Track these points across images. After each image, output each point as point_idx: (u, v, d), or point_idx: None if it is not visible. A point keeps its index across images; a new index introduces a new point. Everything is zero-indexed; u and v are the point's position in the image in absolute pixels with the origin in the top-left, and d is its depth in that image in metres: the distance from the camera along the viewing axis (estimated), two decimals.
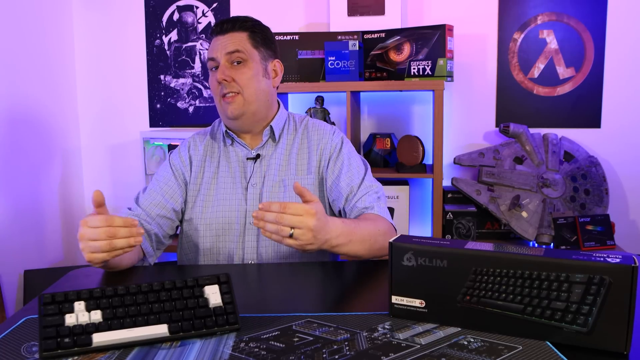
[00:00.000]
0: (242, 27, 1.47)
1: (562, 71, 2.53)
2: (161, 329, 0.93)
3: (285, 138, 1.54)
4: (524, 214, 2.36)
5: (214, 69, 1.47)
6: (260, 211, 1.12)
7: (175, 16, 2.74)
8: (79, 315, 0.93)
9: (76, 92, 2.82)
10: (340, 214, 1.51)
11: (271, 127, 1.51)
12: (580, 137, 2.54)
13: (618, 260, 0.84)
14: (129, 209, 1.47)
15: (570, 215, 2.30)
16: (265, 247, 1.46)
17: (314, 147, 1.52)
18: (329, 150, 1.51)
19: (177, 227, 1.55)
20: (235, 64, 1.44)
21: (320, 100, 2.47)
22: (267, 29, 1.52)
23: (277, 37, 2.43)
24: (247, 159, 1.51)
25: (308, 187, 1.48)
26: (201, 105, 2.78)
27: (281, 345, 0.90)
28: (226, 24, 1.47)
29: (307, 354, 0.87)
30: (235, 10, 2.69)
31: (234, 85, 1.43)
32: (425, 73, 2.34)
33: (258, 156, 1.51)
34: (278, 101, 1.58)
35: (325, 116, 2.47)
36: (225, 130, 1.52)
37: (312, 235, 1.13)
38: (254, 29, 1.48)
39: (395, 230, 1.43)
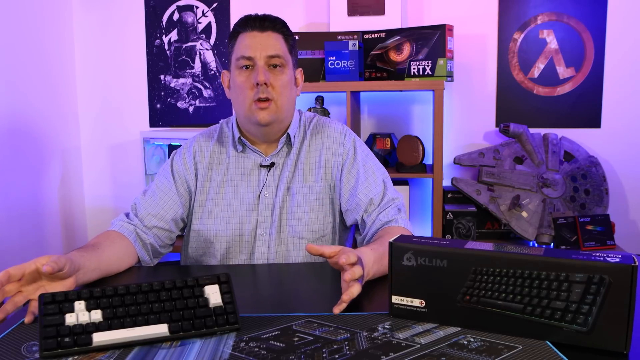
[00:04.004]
0: (281, 30, 1.39)
1: (562, 71, 2.53)
2: (161, 329, 0.93)
3: (296, 142, 1.46)
4: (524, 214, 2.36)
5: (244, 68, 1.36)
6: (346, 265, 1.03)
7: (175, 16, 2.74)
8: (79, 314, 0.93)
9: (76, 92, 2.82)
10: (356, 224, 1.46)
11: (288, 134, 1.44)
12: (580, 137, 2.54)
13: (618, 259, 0.84)
14: (126, 215, 1.42)
15: (570, 215, 2.30)
16: (278, 258, 1.41)
17: (325, 152, 1.44)
18: (341, 157, 1.44)
19: (176, 236, 1.49)
20: (272, 67, 1.36)
21: (320, 100, 2.47)
22: (294, 37, 1.45)
23: None
24: (261, 166, 1.44)
25: (316, 196, 1.42)
26: (201, 105, 2.78)
27: (281, 345, 0.90)
28: (267, 21, 1.37)
29: (307, 353, 0.87)
30: (235, 11, 2.69)
31: (270, 90, 1.35)
32: (425, 73, 2.34)
33: (272, 164, 1.44)
34: None
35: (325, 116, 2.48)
36: (239, 137, 1.44)
37: (359, 264, 1.07)
38: (289, 33, 1.41)
39: None
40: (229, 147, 1.47)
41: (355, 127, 2.51)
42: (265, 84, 1.33)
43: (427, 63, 2.34)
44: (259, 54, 1.35)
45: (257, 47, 1.35)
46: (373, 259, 1.14)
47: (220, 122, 1.55)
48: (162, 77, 2.78)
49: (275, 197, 1.42)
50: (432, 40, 2.32)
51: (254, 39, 1.36)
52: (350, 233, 1.56)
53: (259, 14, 1.39)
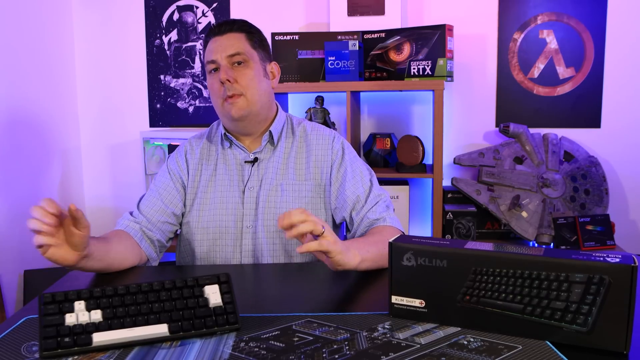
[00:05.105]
0: (240, 29, 1.47)
1: (562, 71, 2.53)
2: (161, 329, 0.94)
3: (283, 142, 1.53)
4: (524, 214, 2.36)
5: (213, 71, 1.46)
6: (285, 219, 1.09)
7: (175, 16, 2.74)
8: (79, 314, 0.93)
9: (76, 92, 2.82)
10: (345, 222, 1.50)
11: (270, 132, 1.50)
12: (580, 137, 2.54)
13: (618, 260, 0.84)
14: (131, 213, 1.47)
15: (570, 215, 2.30)
16: (262, 250, 1.46)
17: (314, 153, 1.51)
18: (331, 157, 1.50)
19: (177, 229, 1.55)
20: (236, 64, 1.44)
21: (320, 100, 2.47)
22: (261, 32, 1.54)
23: (277, 37, 2.44)
24: (245, 162, 1.51)
25: (305, 193, 1.48)
26: (201, 105, 2.78)
27: (281, 345, 0.90)
28: (224, 25, 1.47)
29: (307, 353, 0.87)
30: (235, 10, 2.70)
31: (236, 86, 1.42)
32: (425, 73, 2.34)
33: (256, 160, 1.50)
34: (276, 104, 1.58)
35: (325, 116, 2.47)
36: (224, 133, 1.51)
37: (332, 234, 1.12)
38: (250, 30, 1.49)
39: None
40: (218, 145, 1.55)
41: (355, 127, 2.51)
42: (229, 80, 1.42)
43: (427, 63, 2.34)
44: (220, 56, 1.43)
45: (217, 49, 1.44)
46: (353, 245, 1.20)
47: (212, 124, 1.63)
48: (162, 77, 2.78)
49: (259, 190, 1.48)
50: (432, 40, 2.32)
51: (215, 43, 1.45)
52: (340, 231, 1.60)
53: (219, 22, 1.50)
